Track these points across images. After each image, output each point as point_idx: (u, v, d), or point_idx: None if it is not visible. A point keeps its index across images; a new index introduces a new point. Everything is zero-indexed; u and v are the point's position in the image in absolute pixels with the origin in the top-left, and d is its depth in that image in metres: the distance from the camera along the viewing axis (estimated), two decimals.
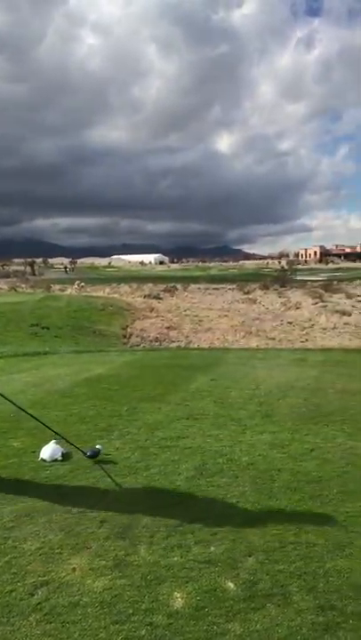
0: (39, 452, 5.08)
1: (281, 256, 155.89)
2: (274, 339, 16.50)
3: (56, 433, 5.14)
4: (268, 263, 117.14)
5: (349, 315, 22.98)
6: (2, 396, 4.84)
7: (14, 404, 4.91)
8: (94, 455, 5.00)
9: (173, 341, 15.91)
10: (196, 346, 14.94)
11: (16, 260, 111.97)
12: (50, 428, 5.08)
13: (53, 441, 5.12)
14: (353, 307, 27.12)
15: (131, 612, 2.82)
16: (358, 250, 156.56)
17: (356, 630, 2.71)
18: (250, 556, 3.35)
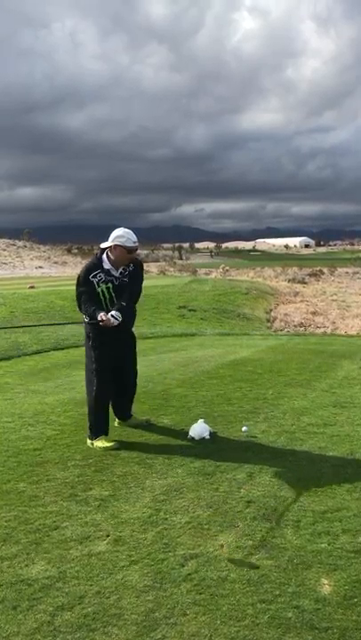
0: (188, 429, 5.27)
1: None
2: None
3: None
4: None
5: None
6: None
7: None
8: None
9: (319, 327, 15.54)
10: (343, 332, 14.45)
11: (165, 245, 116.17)
12: None
13: (202, 420, 5.28)
14: None
15: (277, 592, 2.85)
16: None
17: None
18: None
